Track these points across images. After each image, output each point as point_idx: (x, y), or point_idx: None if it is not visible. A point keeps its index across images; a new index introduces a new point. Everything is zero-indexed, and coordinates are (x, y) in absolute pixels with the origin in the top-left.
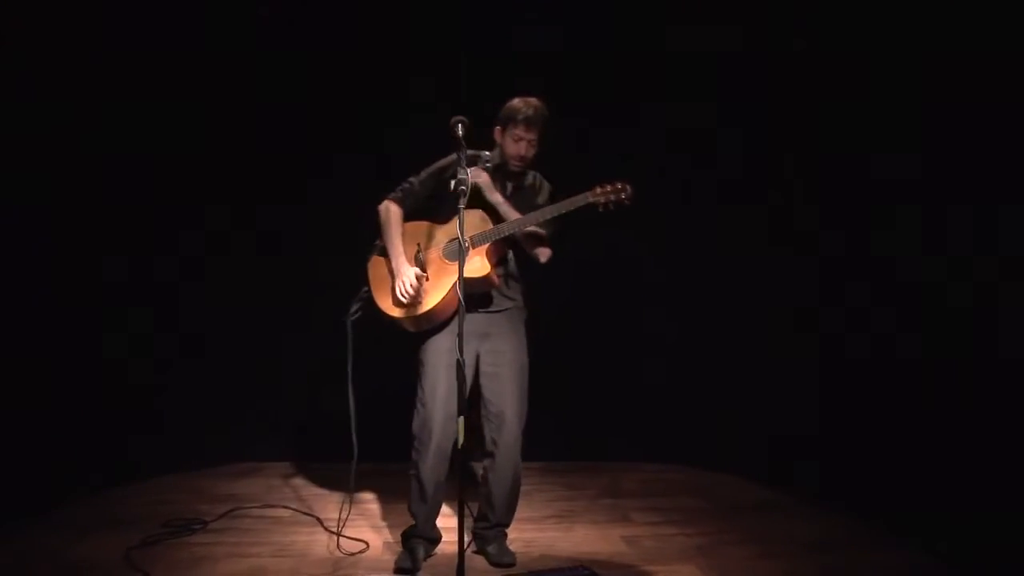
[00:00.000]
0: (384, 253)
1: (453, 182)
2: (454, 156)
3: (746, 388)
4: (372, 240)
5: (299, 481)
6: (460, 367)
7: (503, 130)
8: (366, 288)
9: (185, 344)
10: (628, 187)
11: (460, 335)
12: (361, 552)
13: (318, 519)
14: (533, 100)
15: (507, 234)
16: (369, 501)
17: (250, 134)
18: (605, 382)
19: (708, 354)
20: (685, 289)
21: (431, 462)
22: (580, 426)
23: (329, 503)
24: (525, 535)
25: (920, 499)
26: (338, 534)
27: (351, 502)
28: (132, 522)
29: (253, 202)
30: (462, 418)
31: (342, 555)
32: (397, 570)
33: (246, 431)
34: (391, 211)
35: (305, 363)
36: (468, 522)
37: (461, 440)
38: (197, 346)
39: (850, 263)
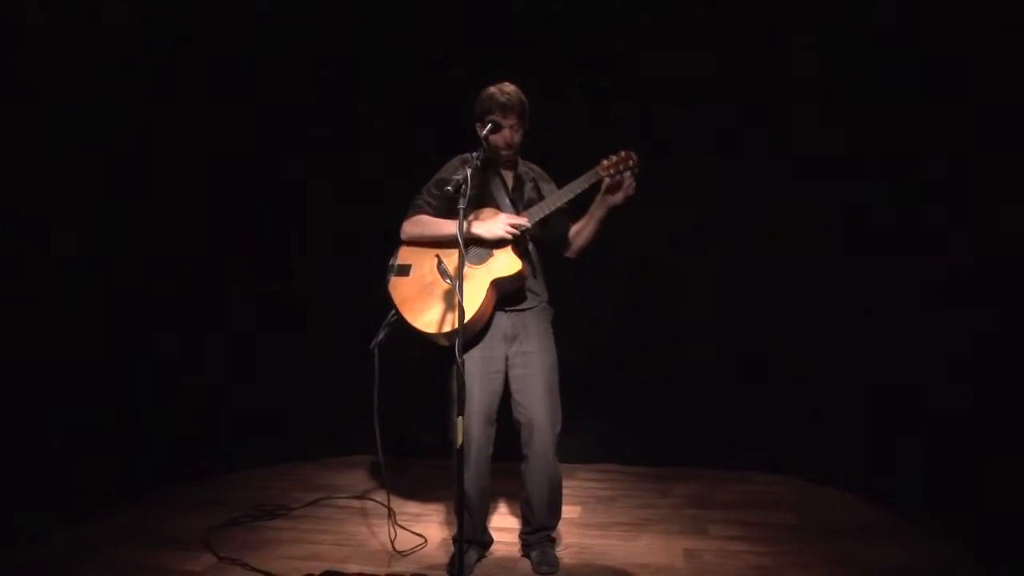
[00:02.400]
0: (401, 273)
1: (451, 184)
2: (454, 161)
3: (879, 402)
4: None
5: (395, 476)
6: (459, 368)
7: (483, 124)
8: (393, 312)
9: (314, 340)
10: (633, 155)
11: (459, 334)
12: (417, 548)
13: (392, 512)
14: (507, 86)
15: (535, 221)
16: (446, 498)
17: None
18: (734, 388)
19: (837, 364)
20: (822, 292)
21: (474, 470)
22: (703, 430)
23: (413, 498)
24: (585, 540)
25: None
26: (395, 526)
27: (392, 516)
28: (226, 503)
29: (380, 201)
30: (460, 418)
31: (397, 549)
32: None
33: (357, 424)
34: (420, 215)
35: (419, 360)
36: (502, 522)
37: (459, 441)
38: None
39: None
